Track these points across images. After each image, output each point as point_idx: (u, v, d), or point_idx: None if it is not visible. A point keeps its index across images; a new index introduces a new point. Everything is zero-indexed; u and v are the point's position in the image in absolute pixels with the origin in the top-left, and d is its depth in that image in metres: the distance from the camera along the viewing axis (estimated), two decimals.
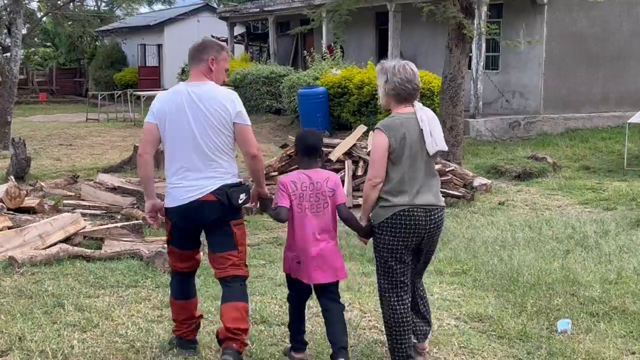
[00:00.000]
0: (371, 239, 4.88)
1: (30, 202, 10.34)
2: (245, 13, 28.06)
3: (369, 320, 5.88)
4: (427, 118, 4.69)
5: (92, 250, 7.86)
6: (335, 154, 12.10)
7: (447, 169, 12.04)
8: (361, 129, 12.57)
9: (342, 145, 12.25)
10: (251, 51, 30.18)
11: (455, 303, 6.32)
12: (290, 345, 5.09)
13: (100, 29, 40.55)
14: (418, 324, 4.98)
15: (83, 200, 11.54)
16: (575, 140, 17.60)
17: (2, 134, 17.14)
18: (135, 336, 5.28)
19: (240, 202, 4.67)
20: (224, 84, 4.99)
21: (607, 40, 19.42)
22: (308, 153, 4.91)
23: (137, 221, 8.77)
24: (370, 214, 4.80)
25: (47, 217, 8.50)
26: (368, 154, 11.95)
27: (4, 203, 9.80)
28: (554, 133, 18.60)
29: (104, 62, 38.46)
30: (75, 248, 7.79)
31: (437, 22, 22.30)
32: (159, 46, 36.41)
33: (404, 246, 4.67)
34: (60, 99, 38.49)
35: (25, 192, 12.04)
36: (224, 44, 5.13)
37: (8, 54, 17.30)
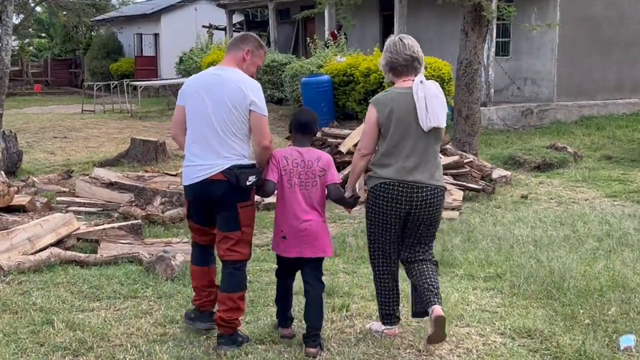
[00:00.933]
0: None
1: (21, 199, 9.59)
2: (245, 0, 27.20)
3: None
4: (424, 94, 4.59)
5: (87, 255, 7.10)
6: (345, 146, 11.35)
7: (465, 161, 11.29)
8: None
9: (352, 136, 11.49)
10: None
11: (497, 315, 5.56)
12: (277, 320, 5.12)
13: (96, 18, 39.64)
14: (425, 295, 4.75)
15: (78, 196, 10.80)
16: (591, 129, 16.86)
17: None
18: None
19: (248, 183, 4.70)
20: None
21: (622, 25, 18.67)
22: (301, 130, 4.95)
23: (135, 221, 8.01)
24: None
25: (37, 218, 7.73)
26: None
27: None
28: (568, 121, 17.87)
29: (99, 53, 37.59)
30: (68, 252, 7.03)
31: (444, 7, 21.72)
32: (156, 35, 35.54)
33: (384, 216, 4.72)
34: (55, 90, 37.62)
35: (15, 189, 11.28)
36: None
37: None
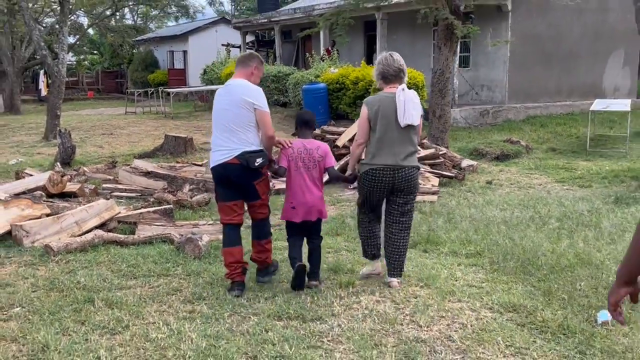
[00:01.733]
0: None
1: (72, 187, 8.91)
2: (255, 23, 26.38)
3: None
4: (404, 98, 4.75)
5: (126, 236, 6.44)
6: (341, 141, 10.69)
7: (439, 153, 10.65)
8: None
9: (347, 132, 10.83)
10: (262, 55, 28.53)
11: (483, 290, 4.93)
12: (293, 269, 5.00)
13: (136, 38, 38.86)
14: (390, 260, 5.03)
15: (120, 183, 10.12)
16: (536, 126, 16.22)
17: (53, 126, 15.61)
18: (167, 341, 3.88)
19: (256, 164, 4.82)
20: None
21: (560, 41, 17.99)
22: (304, 125, 5.11)
23: (167, 205, 7.35)
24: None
25: (85, 204, 7.05)
26: None
27: (47, 189, 8.38)
28: (517, 119, 17.22)
29: (139, 66, 36.70)
30: (110, 234, 6.38)
31: (415, 29, 21.05)
32: (184, 52, 34.68)
33: (372, 192, 4.91)
34: (105, 96, 36.75)
35: (67, 178, 10.58)
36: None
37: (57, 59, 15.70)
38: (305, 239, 5.09)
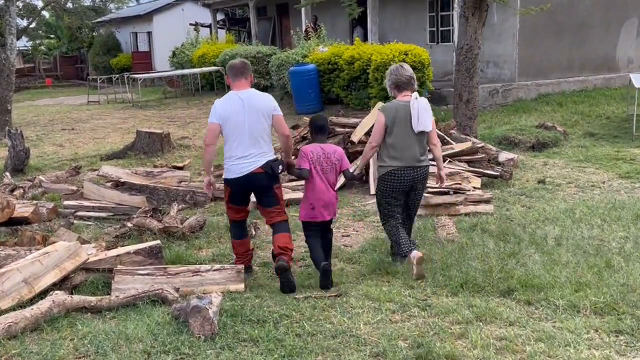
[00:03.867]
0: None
1: (23, 210, 6.84)
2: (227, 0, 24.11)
3: None
4: (418, 106, 5.09)
5: (98, 298, 4.45)
6: (356, 135, 8.75)
7: (478, 146, 8.77)
8: (379, 106, 9.18)
9: (362, 125, 8.90)
10: (232, 34, 26.21)
11: None
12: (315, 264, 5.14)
13: (96, 20, 36.10)
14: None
15: (86, 199, 8.05)
16: (552, 105, 14.41)
17: (3, 123, 13.35)
18: None
19: (279, 171, 5.08)
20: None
21: (571, 10, 16.18)
22: (319, 130, 5.29)
23: (154, 243, 5.32)
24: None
25: (34, 250, 4.97)
26: None
27: None
28: (528, 98, 15.42)
29: (101, 49, 34.03)
30: (75, 298, 4.37)
31: (407, 1, 19.11)
32: (149, 33, 32.12)
33: (392, 192, 5.28)
34: (64, 83, 34.08)
35: (20, 192, 8.49)
36: None
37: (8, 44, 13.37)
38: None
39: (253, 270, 5.43)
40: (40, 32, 42.41)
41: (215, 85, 20.96)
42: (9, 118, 13.43)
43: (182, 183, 8.60)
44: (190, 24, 26.93)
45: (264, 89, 19.41)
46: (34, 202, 7.71)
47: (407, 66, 5.32)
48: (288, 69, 16.08)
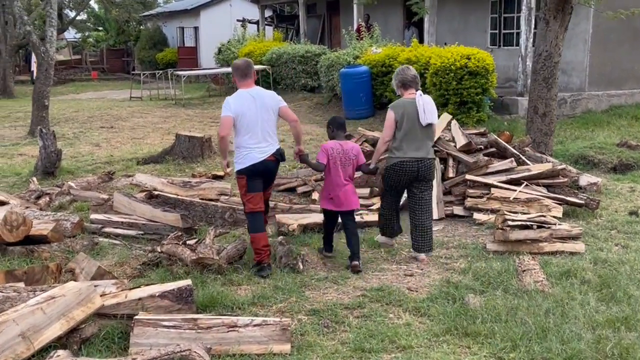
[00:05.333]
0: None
1: (42, 227, 6.02)
2: None
3: None
4: (423, 102, 5.58)
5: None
6: None
7: (559, 168, 7.65)
8: (445, 118, 8.15)
9: None
10: (280, 31, 25.35)
11: None
12: (322, 248, 5.93)
13: (144, 14, 35.73)
14: (417, 238, 5.86)
15: (116, 212, 7.23)
16: (627, 119, 13.11)
17: (39, 118, 12.69)
18: None
19: (285, 158, 5.81)
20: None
21: None
22: (339, 128, 5.74)
23: (184, 283, 4.40)
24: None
25: (39, 291, 4.09)
26: (458, 149, 7.58)
27: (1, 236, 5.50)
28: (598, 110, 14.14)
29: (147, 44, 33.55)
30: None
31: (469, 1, 17.93)
32: (196, 28, 31.53)
33: (398, 182, 5.75)
34: (110, 76, 33.76)
35: (46, 200, 7.73)
36: None
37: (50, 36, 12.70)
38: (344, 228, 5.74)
39: (272, 268, 5.51)
40: (89, 24, 42.40)
41: (261, 83, 20.10)
42: (46, 114, 12.78)
43: (222, 197, 7.72)
44: (238, 20, 26.21)
45: (312, 90, 18.53)
46: (58, 214, 6.93)
47: (411, 67, 5.93)
48: (338, 70, 15.13)
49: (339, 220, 5.81)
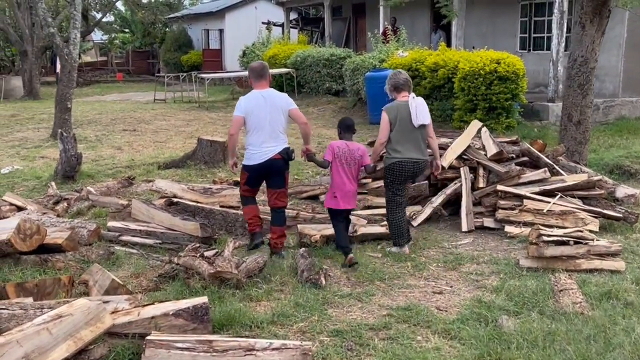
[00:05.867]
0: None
1: (57, 236, 5.83)
2: None
3: None
4: (415, 104, 5.84)
5: None
6: (447, 159, 7.40)
7: (595, 179, 7.29)
8: (475, 125, 7.84)
9: (454, 147, 7.55)
10: (305, 34, 25.12)
11: None
12: (343, 253, 5.81)
13: (169, 16, 35.78)
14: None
15: (134, 219, 7.04)
16: None
17: (62, 121, 12.59)
18: None
19: (293, 157, 5.95)
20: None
21: None
22: (347, 129, 5.98)
23: (200, 300, 4.15)
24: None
25: (46, 309, 3.87)
26: (489, 158, 7.25)
27: (15, 246, 5.32)
28: (632, 117, 13.71)
29: (172, 46, 33.58)
30: None
31: (496, 2, 17.52)
32: (221, 31, 31.47)
33: (398, 181, 6.00)
34: (135, 78, 33.87)
35: (64, 206, 7.57)
36: None
37: (73, 38, 12.60)
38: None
39: (263, 236, 6.08)
40: (115, 26, 42.60)
41: (285, 87, 19.91)
42: (68, 116, 12.67)
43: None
44: (263, 23, 26.08)
45: (336, 93, 18.27)
46: (75, 221, 6.75)
47: (403, 71, 6.18)
48: (363, 73, 14.86)
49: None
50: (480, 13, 17.17)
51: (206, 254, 5.51)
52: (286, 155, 5.85)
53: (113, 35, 43.58)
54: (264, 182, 6.12)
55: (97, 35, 43.77)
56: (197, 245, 5.48)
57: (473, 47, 14.79)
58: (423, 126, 5.89)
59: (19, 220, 5.42)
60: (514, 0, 16.32)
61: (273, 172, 5.91)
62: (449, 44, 15.48)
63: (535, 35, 16.06)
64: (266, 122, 5.77)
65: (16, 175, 9.91)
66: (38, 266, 5.48)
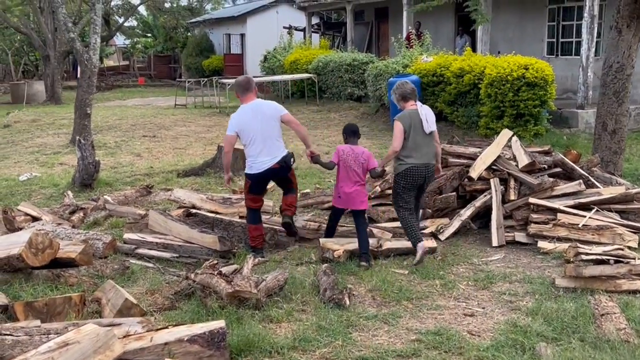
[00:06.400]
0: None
1: (70, 250, 5.60)
2: (323, 2, 22.69)
3: None
4: (425, 112, 6.07)
5: None
6: (476, 171, 7.08)
7: (633, 192, 6.91)
8: (505, 135, 7.50)
9: (484, 158, 7.21)
10: (327, 39, 24.84)
11: None
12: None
13: (191, 20, 35.79)
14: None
15: (151, 230, 6.82)
16: None
17: (81, 127, 12.45)
18: None
19: (292, 163, 6.28)
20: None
21: None
22: (352, 134, 6.22)
23: (217, 324, 3.89)
24: (393, 167, 6.28)
25: (53, 334, 3.63)
26: (520, 169, 6.92)
27: (26, 261, 5.11)
28: None
29: (194, 50, 33.51)
30: None
31: (524, 7, 17.11)
32: (242, 35, 31.34)
33: (409, 187, 6.06)
34: (157, 82, 33.89)
35: (80, 216, 7.37)
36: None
37: (96, 42, 12.48)
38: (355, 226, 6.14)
39: (264, 251, 6.29)
40: (138, 30, 42.75)
41: (306, 93, 19.67)
42: (88, 122, 12.53)
43: (263, 216, 7.22)
44: (284, 27, 25.87)
45: (358, 99, 17.98)
46: (90, 233, 6.54)
47: (408, 82, 6.32)
48: (386, 79, 14.54)
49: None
50: (507, 17, 16.78)
51: (225, 269, 5.27)
52: (284, 163, 6.12)
53: (135, 40, 43.80)
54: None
55: (120, 40, 43.98)
56: (215, 262, 5.22)
57: (499, 52, 14.43)
58: (432, 132, 6.10)
59: (30, 233, 5.20)
60: (542, 5, 15.92)
61: (275, 178, 6.40)
62: (474, 49, 15.12)
63: (563, 40, 15.64)
64: (258, 134, 6.03)
65: (34, 183, 9.77)
66: (50, 282, 5.26)
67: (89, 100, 12.53)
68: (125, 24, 34.40)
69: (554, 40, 15.81)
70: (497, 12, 16.26)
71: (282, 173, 6.22)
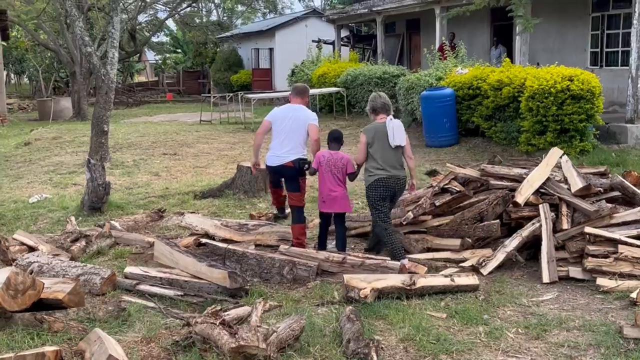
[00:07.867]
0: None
1: (58, 289, 4.88)
2: (353, 14, 22.00)
3: None
4: (392, 125, 6.11)
5: None
6: (522, 195, 6.21)
7: None
8: (556, 154, 6.62)
9: (531, 181, 6.34)
10: (357, 52, 24.13)
11: None
12: (318, 246, 6.56)
13: (220, 35, 35.48)
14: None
15: (157, 262, 6.10)
16: None
17: (98, 145, 11.89)
18: None
19: (304, 168, 6.54)
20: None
21: None
22: (334, 140, 6.48)
23: None
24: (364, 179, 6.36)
25: None
26: (573, 193, 6.04)
27: (2, 303, 4.42)
28: None
29: (222, 65, 33.17)
30: None
31: (565, 15, 16.18)
32: (271, 50, 30.87)
33: (381, 197, 6.14)
34: (185, 98, 33.57)
35: (80, 246, 6.70)
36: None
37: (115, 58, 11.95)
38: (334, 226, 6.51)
39: (286, 211, 7.40)
40: (168, 46, 42.68)
41: (334, 107, 18.94)
42: (105, 140, 11.96)
43: (282, 246, 6.45)
44: (313, 41, 25.28)
45: None
46: (87, 266, 5.85)
47: (383, 94, 6.45)
48: (418, 92, 13.74)
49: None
50: (547, 27, 15.83)
51: (232, 313, 4.53)
52: (297, 165, 6.49)
53: (166, 56, 43.74)
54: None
55: (151, 55, 43.98)
56: (219, 307, 4.46)
57: (537, 64, 13.53)
58: (398, 147, 6.14)
59: (9, 273, 4.51)
60: (584, 13, 14.98)
61: (286, 177, 6.71)
62: (511, 60, 14.23)
63: (608, 49, 14.65)
64: (284, 130, 6.55)
65: (42, 206, 9.17)
66: (32, 328, 4.56)
67: (106, 117, 11.96)
68: (155, 40, 34.28)
69: (598, 50, 14.84)
70: (538, 20, 15.34)
71: (293, 173, 6.54)
